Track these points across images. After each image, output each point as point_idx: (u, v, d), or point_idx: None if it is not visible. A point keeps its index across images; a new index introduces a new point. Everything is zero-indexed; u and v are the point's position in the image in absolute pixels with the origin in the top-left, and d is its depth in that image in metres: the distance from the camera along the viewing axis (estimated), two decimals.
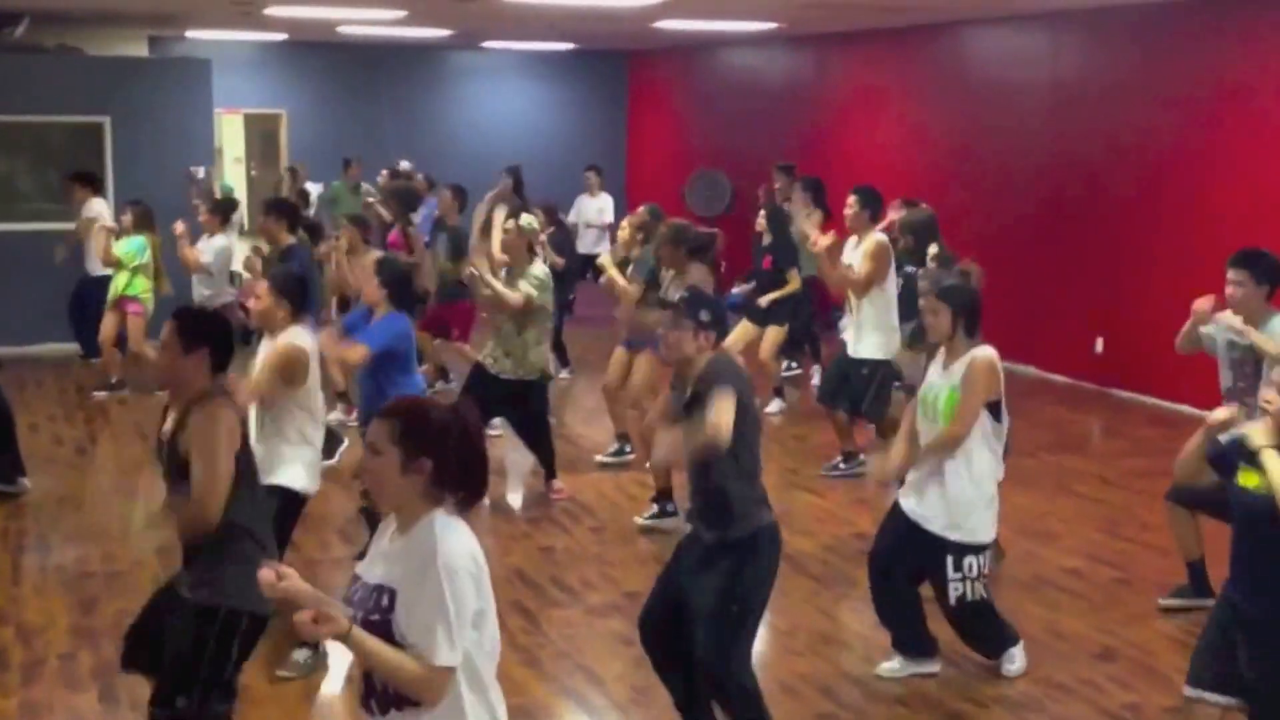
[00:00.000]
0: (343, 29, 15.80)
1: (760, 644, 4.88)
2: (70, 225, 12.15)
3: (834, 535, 7.91)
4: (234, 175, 21.86)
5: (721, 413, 4.58)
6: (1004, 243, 12.53)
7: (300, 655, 5.85)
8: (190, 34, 16.92)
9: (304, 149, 17.92)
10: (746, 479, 4.80)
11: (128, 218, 11.25)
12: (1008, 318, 11.61)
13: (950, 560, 5.59)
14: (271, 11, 12.92)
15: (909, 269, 8.70)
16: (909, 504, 5.70)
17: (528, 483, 8.97)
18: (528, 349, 8.14)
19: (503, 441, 9.28)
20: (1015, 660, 5.90)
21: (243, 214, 16.26)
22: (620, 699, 5.71)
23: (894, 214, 9.95)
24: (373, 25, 15.49)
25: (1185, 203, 11.03)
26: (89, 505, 8.42)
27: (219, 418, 4.25)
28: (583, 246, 14.41)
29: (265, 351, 5.82)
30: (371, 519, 6.37)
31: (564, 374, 12.10)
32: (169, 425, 4.37)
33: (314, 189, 15.61)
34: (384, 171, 15.37)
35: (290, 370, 5.71)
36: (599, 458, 9.47)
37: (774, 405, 10.72)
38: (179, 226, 10.50)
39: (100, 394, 11.23)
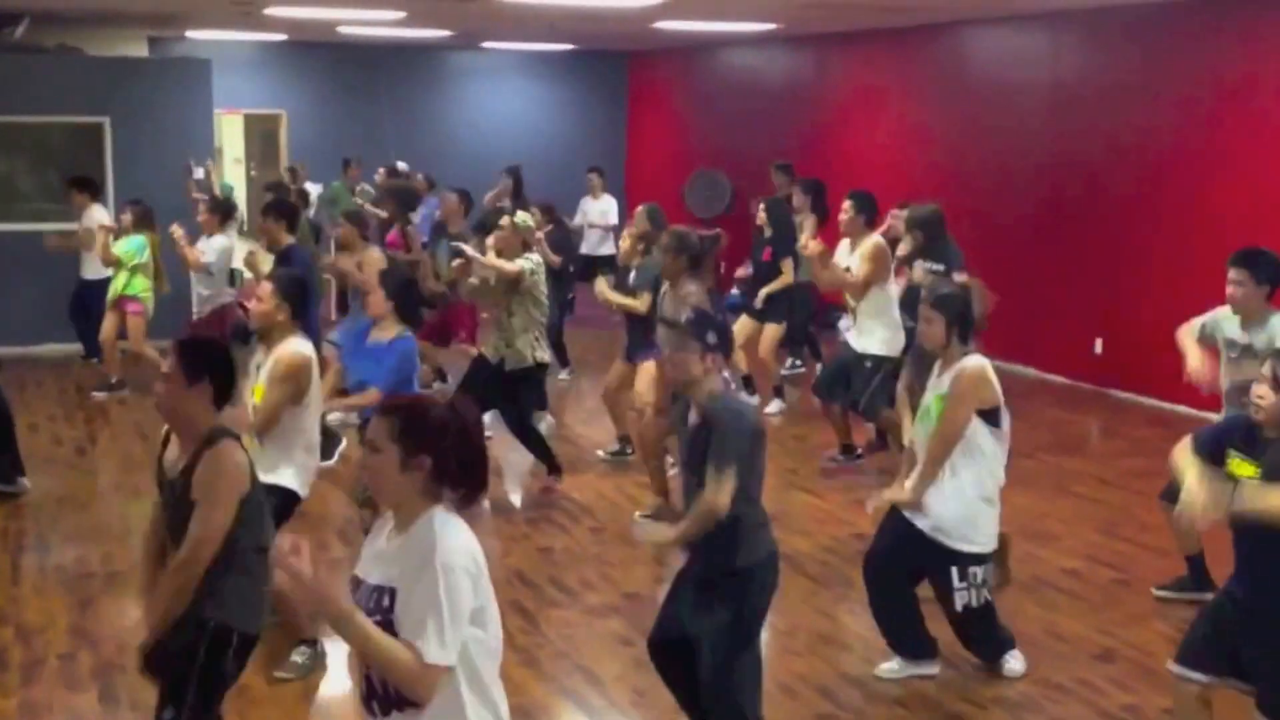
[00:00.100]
0: (342, 29, 15.80)
1: (759, 644, 4.87)
2: (69, 225, 12.16)
3: (833, 536, 7.91)
4: (234, 175, 21.85)
5: (722, 494, 4.58)
6: (1003, 243, 12.54)
7: (299, 656, 5.85)
8: (190, 34, 16.93)
9: (304, 149, 17.92)
10: (751, 505, 4.75)
11: (127, 217, 11.26)
12: (1007, 318, 11.56)
13: (955, 571, 5.60)
14: (271, 12, 12.92)
15: (931, 265, 8.56)
16: (911, 510, 5.70)
17: (527, 483, 8.97)
18: (515, 335, 8.19)
19: (502, 442, 9.27)
20: (1016, 661, 5.90)
21: (243, 214, 16.25)
22: (620, 700, 5.71)
23: (892, 220, 9.93)
24: (372, 26, 15.50)
25: (1185, 203, 11.03)
26: (89, 505, 8.42)
27: (224, 468, 4.16)
28: (586, 247, 14.44)
29: (268, 367, 5.78)
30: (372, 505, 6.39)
31: (564, 374, 12.11)
32: (176, 461, 4.28)
33: (314, 189, 15.62)
34: (381, 170, 15.39)
35: (294, 384, 5.72)
36: (600, 453, 9.51)
37: (774, 405, 10.72)
38: (177, 230, 10.50)
39: (100, 394, 11.24)
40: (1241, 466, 4.39)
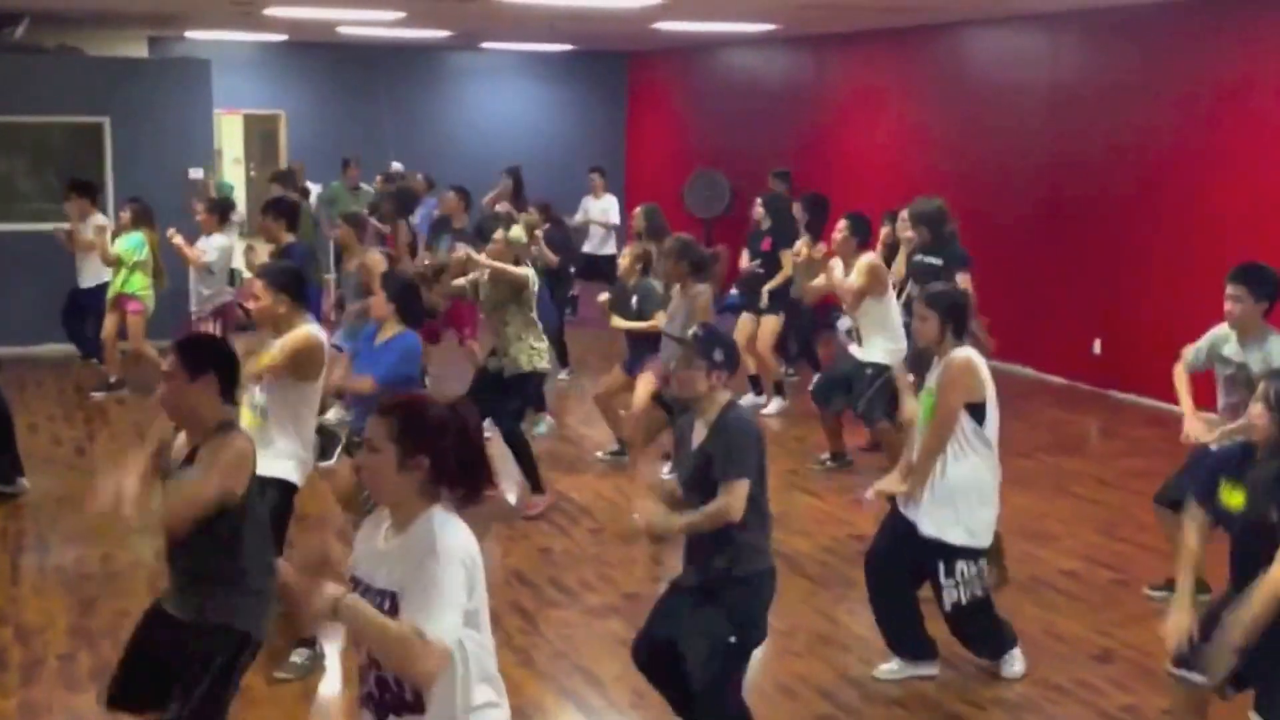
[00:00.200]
0: (342, 30, 15.81)
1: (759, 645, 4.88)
2: (65, 225, 12.19)
3: (832, 536, 7.92)
4: (233, 176, 21.86)
5: (736, 500, 4.58)
6: (1002, 243, 12.53)
7: (298, 656, 5.86)
8: (190, 34, 16.94)
9: (303, 149, 17.93)
10: (759, 517, 4.74)
11: (126, 214, 11.27)
12: (1006, 318, 11.60)
13: (941, 566, 5.59)
14: (271, 12, 12.93)
15: (929, 259, 8.58)
16: (905, 504, 5.72)
17: (525, 484, 8.95)
18: (509, 343, 8.14)
19: (498, 443, 9.25)
20: (1015, 662, 5.90)
21: (242, 214, 16.26)
22: (619, 700, 5.71)
23: (884, 229, 9.95)
24: (372, 26, 15.50)
25: (1184, 203, 11.04)
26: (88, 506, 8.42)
27: (229, 444, 4.14)
28: (588, 246, 14.45)
29: (279, 343, 5.76)
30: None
31: (564, 374, 12.13)
32: (180, 452, 4.27)
33: (313, 190, 15.62)
34: (379, 178, 15.35)
35: (306, 359, 5.70)
36: (600, 454, 9.52)
37: (774, 405, 10.70)
38: (175, 236, 10.51)
39: (99, 394, 11.24)
40: (1231, 495, 4.40)
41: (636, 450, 8.91)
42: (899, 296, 8.69)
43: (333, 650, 6.00)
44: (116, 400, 11.12)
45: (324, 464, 7.24)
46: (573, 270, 13.24)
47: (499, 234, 8.37)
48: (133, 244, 11.06)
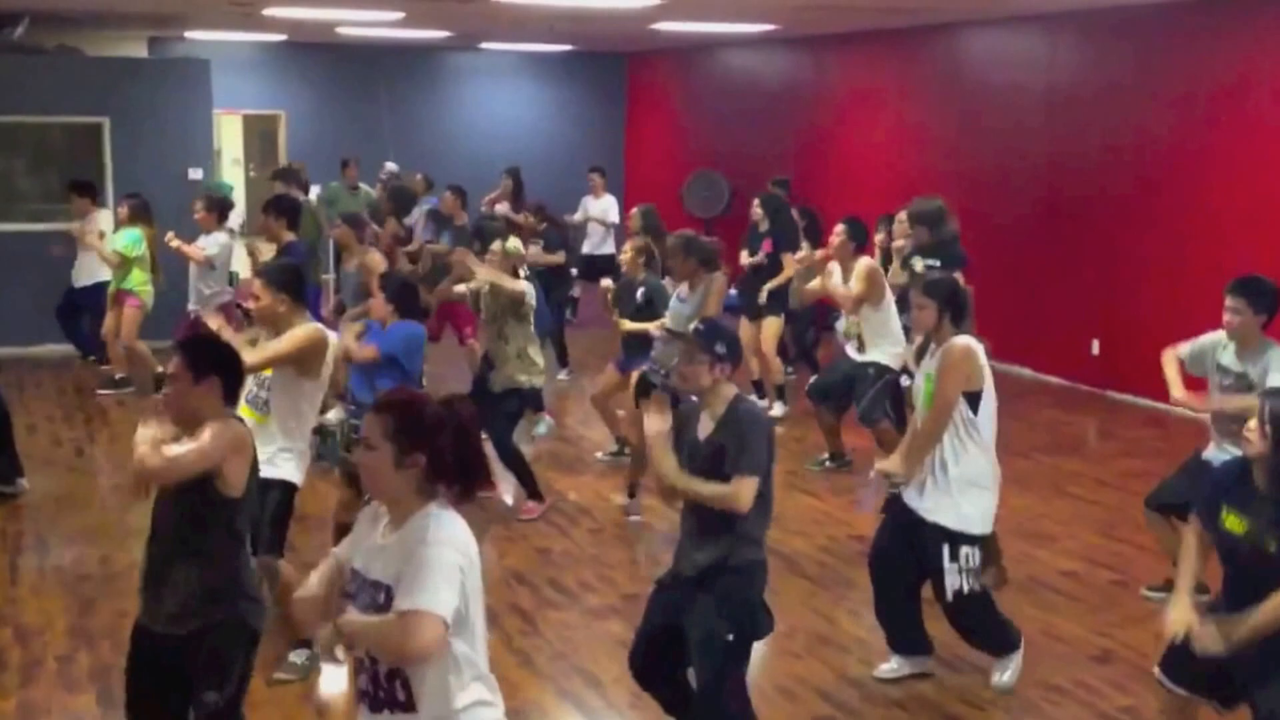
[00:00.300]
0: (341, 30, 15.80)
1: (757, 645, 4.87)
2: (67, 226, 12.19)
3: (831, 537, 7.93)
4: (232, 176, 21.85)
5: (745, 492, 4.57)
6: (1000, 244, 12.54)
7: (297, 658, 5.86)
8: (189, 35, 16.93)
9: (303, 150, 17.91)
10: (760, 515, 4.72)
11: (123, 210, 11.26)
12: (1004, 319, 11.65)
13: (945, 550, 5.54)
14: (271, 12, 12.92)
15: (928, 262, 8.58)
16: (907, 495, 5.71)
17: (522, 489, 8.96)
18: (506, 361, 8.00)
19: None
20: (1008, 671, 5.79)
21: (242, 215, 16.25)
22: (618, 701, 5.72)
23: (879, 235, 9.96)
24: (371, 26, 15.50)
25: (1181, 204, 11.05)
26: (87, 506, 8.42)
27: (229, 426, 4.13)
28: (588, 246, 14.45)
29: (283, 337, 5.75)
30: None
31: (563, 374, 12.14)
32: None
33: (313, 190, 15.61)
34: (379, 185, 15.32)
35: (311, 352, 5.68)
36: (600, 454, 9.52)
37: (777, 409, 10.67)
38: (173, 240, 10.52)
39: (105, 392, 11.26)
40: (1233, 522, 4.40)
41: (638, 451, 8.86)
42: (900, 303, 8.68)
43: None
44: (117, 401, 11.12)
45: (323, 464, 7.27)
46: (574, 272, 13.24)
47: (496, 245, 8.31)
48: (130, 240, 11.07)
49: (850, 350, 8.88)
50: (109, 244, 11.28)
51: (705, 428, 4.74)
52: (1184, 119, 11.03)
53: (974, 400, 5.55)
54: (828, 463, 9.27)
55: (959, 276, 8.20)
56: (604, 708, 5.71)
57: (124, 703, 4.36)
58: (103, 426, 10.43)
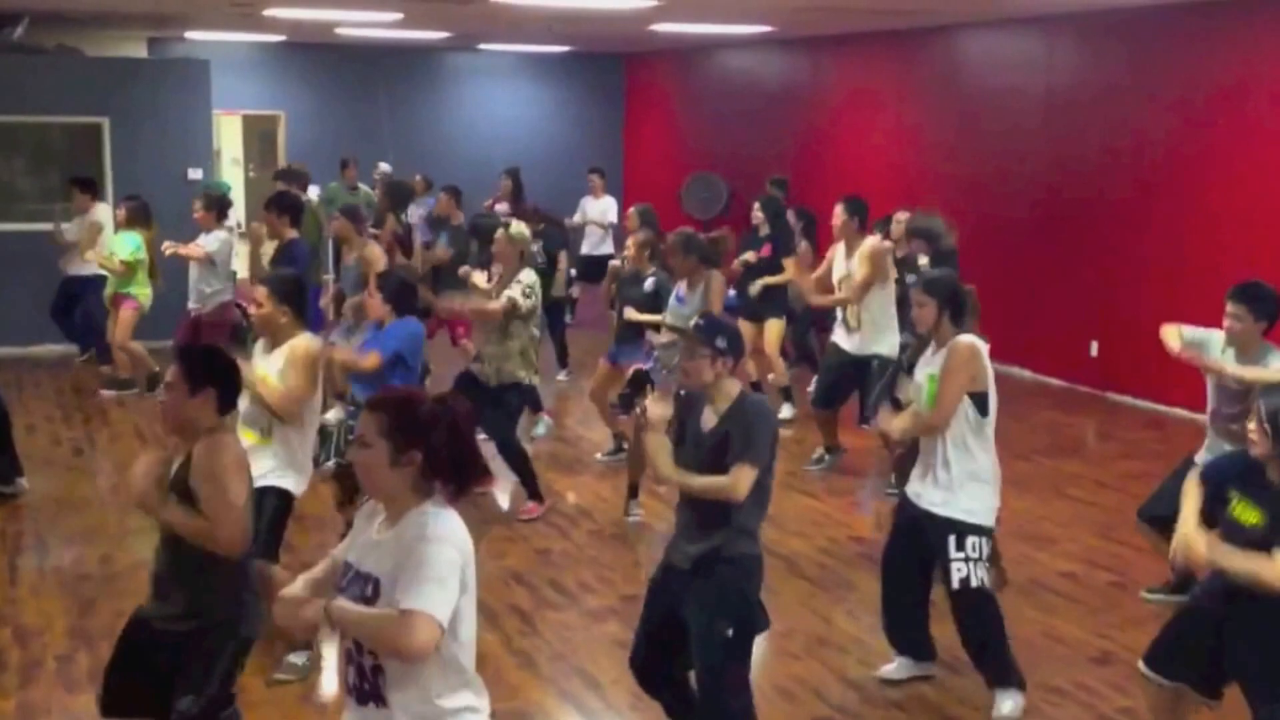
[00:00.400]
0: (341, 31, 15.81)
1: (756, 646, 4.87)
2: (66, 225, 12.21)
3: (830, 538, 7.93)
4: (232, 176, 21.86)
5: (742, 482, 4.56)
6: (999, 246, 12.55)
7: (296, 658, 5.86)
8: (189, 35, 16.93)
9: (302, 150, 17.91)
10: (757, 507, 4.72)
11: (122, 212, 11.24)
12: (1003, 321, 11.64)
13: (952, 540, 5.49)
14: (270, 13, 12.93)
15: (909, 278, 8.65)
16: (912, 490, 5.70)
17: (522, 489, 8.95)
18: (509, 358, 7.94)
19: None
20: (1006, 705, 5.58)
21: (240, 214, 16.26)
22: (618, 702, 5.72)
23: (877, 234, 9.97)
24: (370, 27, 15.51)
25: (1179, 206, 11.06)
26: (87, 507, 8.42)
27: (225, 445, 4.20)
28: (586, 247, 14.45)
29: (282, 355, 5.73)
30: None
31: (562, 375, 12.15)
32: (176, 466, 4.27)
33: (312, 190, 15.60)
34: (375, 185, 15.33)
35: (316, 369, 5.72)
36: (599, 455, 9.52)
37: (786, 411, 10.65)
38: (169, 249, 10.51)
39: (108, 393, 11.26)
40: (1245, 511, 4.40)
41: (636, 450, 8.85)
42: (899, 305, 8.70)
43: (331, 651, 6.00)
44: (117, 401, 11.12)
45: (322, 465, 7.27)
46: (573, 272, 13.24)
47: (500, 233, 8.33)
48: (132, 246, 11.02)
49: (842, 337, 8.89)
50: (107, 246, 11.27)
51: (709, 420, 4.73)
52: (1182, 121, 11.04)
53: (981, 401, 5.51)
54: (826, 456, 9.27)
55: None
56: (603, 709, 5.72)
57: (102, 684, 4.44)
58: (102, 426, 10.43)
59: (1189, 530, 4.47)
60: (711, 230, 9.41)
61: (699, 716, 4.83)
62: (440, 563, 3.12)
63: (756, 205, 10.72)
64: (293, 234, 9.28)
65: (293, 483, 5.73)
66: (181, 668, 4.20)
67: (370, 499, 3.42)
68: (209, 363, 4.32)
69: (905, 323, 8.30)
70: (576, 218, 14.48)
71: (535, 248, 10.69)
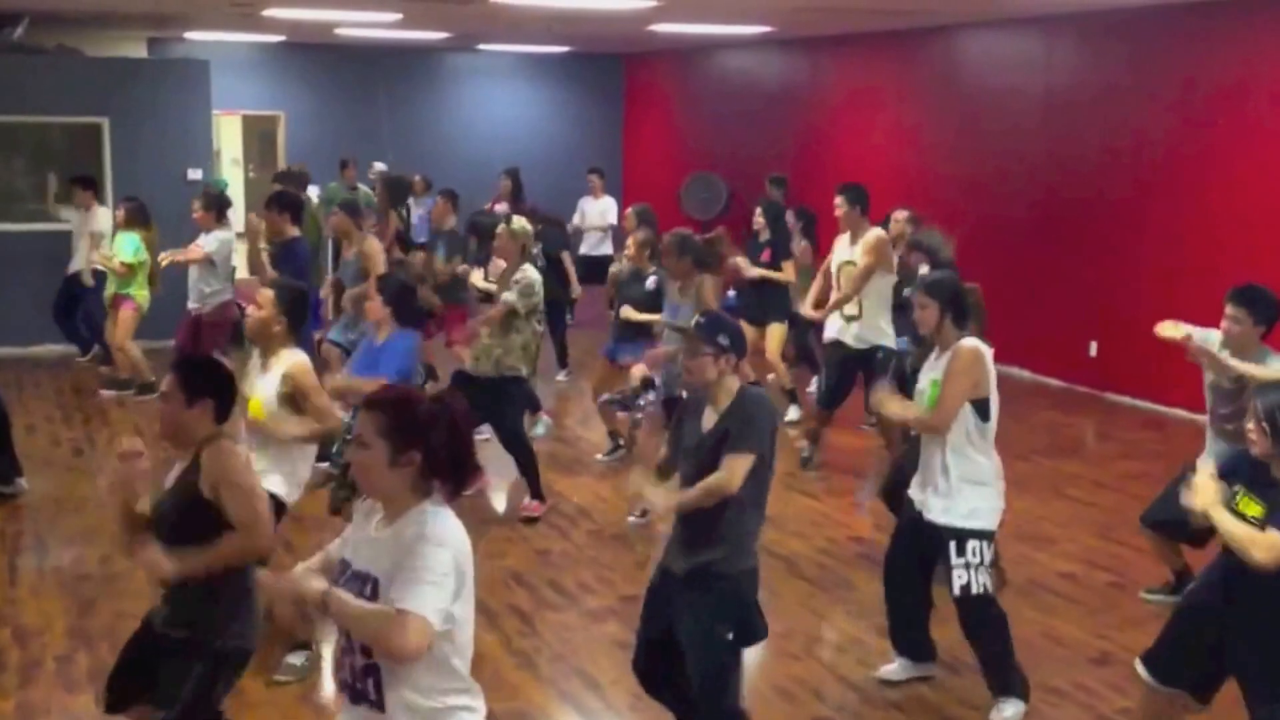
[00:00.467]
0: (340, 31, 15.81)
1: (755, 647, 4.88)
2: (65, 226, 12.21)
3: (829, 539, 7.93)
4: (232, 177, 21.86)
5: (736, 475, 4.53)
6: (998, 246, 12.56)
7: (295, 659, 5.86)
8: (189, 35, 16.94)
9: (302, 150, 17.92)
10: (755, 508, 4.72)
11: (121, 213, 11.23)
12: (1002, 321, 11.61)
13: (953, 545, 5.48)
14: (270, 13, 12.93)
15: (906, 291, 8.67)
16: (916, 495, 5.69)
17: (525, 486, 8.95)
18: (509, 352, 7.95)
19: (499, 444, 9.25)
20: (1007, 710, 5.56)
21: (239, 215, 16.26)
22: (617, 703, 5.72)
23: (894, 223, 9.99)
24: (370, 27, 15.51)
25: (1179, 206, 11.06)
26: (86, 507, 8.41)
27: (233, 451, 4.23)
28: (585, 248, 14.44)
29: (272, 381, 5.70)
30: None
31: (562, 375, 12.15)
32: (173, 474, 4.29)
33: (312, 190, 15.60)
34: (373, 185, 15.33)
35: (318, 382, 5.75)
36: (599, 456, 9.53)
37: (792, 413, 10.64)
38: (166, 259, 10.51)
39: (108, 393, 11.26)
40: (1248, 505, 4.41)
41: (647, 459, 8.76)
42: (898, 309, 8.71)
43: (330, 652, 6.00)
44: (117, 402, 11.12)
45: (321, 465, 7.26)
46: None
47: (501, 228, 8.32)
48: (133, 247, 11.01)
49: (842, 332, 8.90)
50: (108, 247, 11.29)
51: (709, 420, 4.71)
52: (1182, 121, 11.05)
53: (982, 408, 5.48)
54: (811, 447, 9.30)
55: None
56: (603, 709, 5.72)
57: (105, 683, 4.46)
58: (102, 427, 10.43)
59: (1204, 479, 4.48)
60: (711, 230, 9.40)
61: (699, 718, 4.83)
62: (437, 564, 3.11)
63: (758, 211, 10.68)
64: (295, 232, 9.26)
65: (279, 485, 5.64)
66: (168, 676, 4.21)
67: (367, 498, 3.42)
68: (206, 374, 4.32)
69: (904, 329, 8.31)
70: (575, 219, 14.48)
71: (535, 250, 10.71)
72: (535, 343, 8.14)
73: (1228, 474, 4.60)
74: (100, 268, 11.37)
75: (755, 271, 10.21)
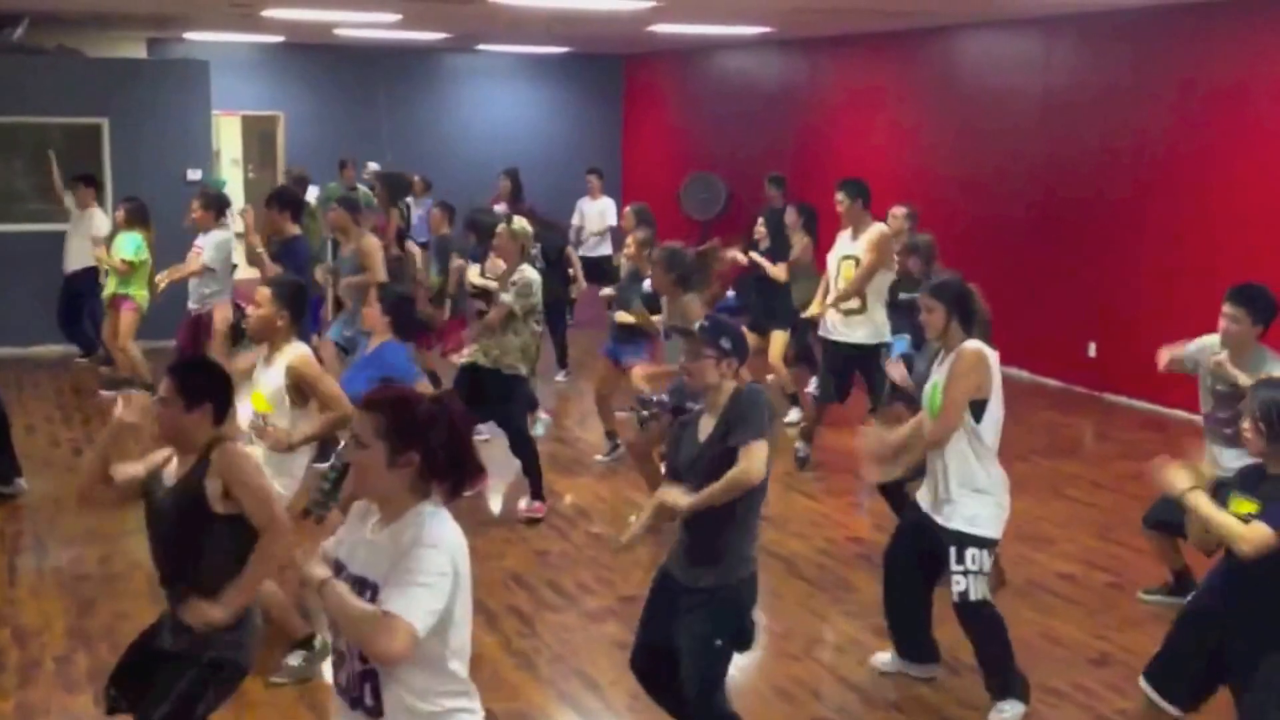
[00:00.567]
0: (340, 31, 15.81)
1: (754, 647, 4.88)
2: (64, 226, 12.21)
3: (828, 539, 7.94)
4: (232, 177, 21.85)
5: (755, 463, 4.53)
6: (997, 246, 12.56)
7: (295, 659, 5.86)
8: (189, 36, 16.93)
9: (301, 151, 17.92)
10: (750, 521, 4.72)
11: (120, 214, 11.22)
12: (1000, 322, 11.57)
13: (953, 552, 5.48)
14: (269, 14, 12.93)
15: (902, 295, 8.67)
16: (922, 498, 5.70)
17: (524, 486, 8.94)
18: (508, 352, 7.96)
19: (497, 444, 9.25)
20: (1006, 712, 5.55)
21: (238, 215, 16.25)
22: (617, 704, 5.72)
23: (892, 219, 10.00)
24: (369, 28, 15.51)
25: (1177, 206, 11.07)
26: (86, 507, 8.41)
27: (241, 453, 4.26)
28: (584, 249, 14.43)
29: (276, 375, 5.73)
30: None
31: (561, 376, 12.15)
32: (173, 474, 4.29)
33: (311, 191, 15.60)
34: (371, 185, 15.30)
35: (321, 371, 5.76)
36: (598, 456, 9.53)
37: (794, 414, 10.62)
38: (163, 280, 10.48)
39: (108, 393, 11.24)
40: (1241, 505, 4.42)
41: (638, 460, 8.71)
42: (896, 309, 8.73)
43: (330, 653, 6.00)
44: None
45: (319, 466, 7.28)
46: (571, 272, 13.22)
47: (501, 227, 8.30)
48: (135, 246, 10.99)
49: (842, 330, 8.91)
50: (115, 251, 11.27)
51: (706, 429, 4.72)
52: (1181, 121, 11.05)
53: (978, 409, 5.46)
54: (809, 452, 9.31)
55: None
56: (602, 709, 5.72)
57: (107, 682, 4.45)
58: (102, 427, 10.33)
59: (1175, 467, 4.53)
60: (710, 231, 9.40)
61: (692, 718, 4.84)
62: (431, 566, 3.09)
63: (760, 221, 10.67)
64: (295, 230, 9.24)
65: (281, 488, 5.66)
66: (163, 680, 4.21)
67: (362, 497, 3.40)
68: (204, 378, 4.32)
69: (900, 327, 8.32)
70: (574, 219, 14.47)
71: (534, 250, 10.71)
72: (534, 344, 8.13)
73: (1219, 482, 4.61)
74: (99, 264, 11.37)
75: (746, 259, 10.21)
